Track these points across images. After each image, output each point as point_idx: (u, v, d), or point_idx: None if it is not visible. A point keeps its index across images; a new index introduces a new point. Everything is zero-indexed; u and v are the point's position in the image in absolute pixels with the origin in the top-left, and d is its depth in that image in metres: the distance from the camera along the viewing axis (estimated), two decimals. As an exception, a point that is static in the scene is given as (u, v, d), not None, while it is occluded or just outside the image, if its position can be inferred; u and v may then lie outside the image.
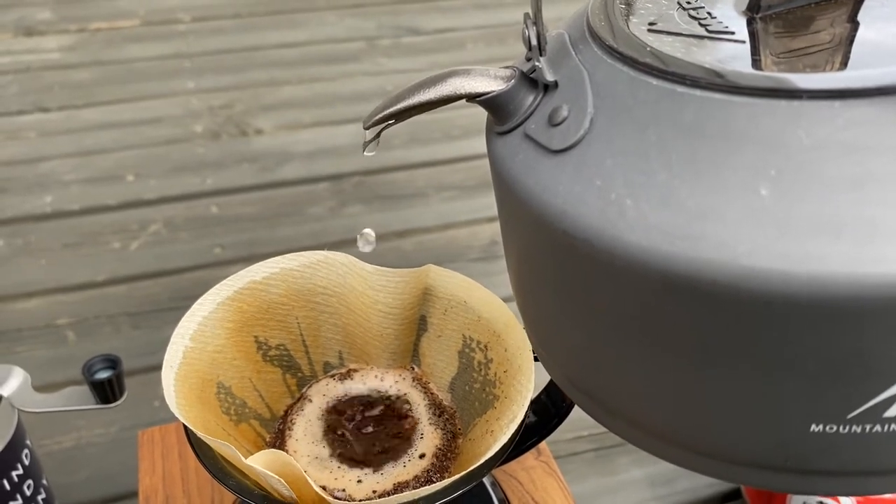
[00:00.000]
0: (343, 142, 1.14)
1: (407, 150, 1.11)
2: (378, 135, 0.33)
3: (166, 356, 0.41)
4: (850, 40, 0.28)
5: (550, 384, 0.46)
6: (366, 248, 0.34)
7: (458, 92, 0.31)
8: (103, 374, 0.52)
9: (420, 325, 0.47)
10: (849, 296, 0.24)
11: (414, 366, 0.48)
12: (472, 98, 0.32)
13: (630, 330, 0.29)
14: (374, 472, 0.43)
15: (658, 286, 0.26)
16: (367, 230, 0.33)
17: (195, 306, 0.43)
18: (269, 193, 1.04)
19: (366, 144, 0.33)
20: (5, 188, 1.03)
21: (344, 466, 0.43)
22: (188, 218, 0.99)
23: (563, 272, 0.30)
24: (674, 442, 0.32)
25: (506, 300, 0.44)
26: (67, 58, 1.31)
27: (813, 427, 0.28)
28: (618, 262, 0.27)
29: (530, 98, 0.31)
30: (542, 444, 0.54)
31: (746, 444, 0.29)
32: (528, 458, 0.54)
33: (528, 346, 0.42)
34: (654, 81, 0.28)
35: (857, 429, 0.27)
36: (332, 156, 1.11)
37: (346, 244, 0.96)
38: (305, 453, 0.43)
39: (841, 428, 0.27)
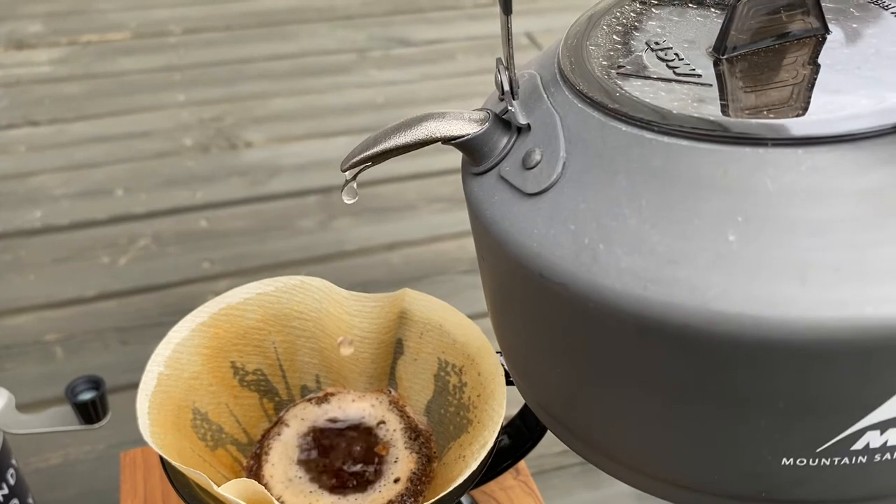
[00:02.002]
0: (333, 154, 1.14)
1: (397, 163, 1.11)
2: (355, 177, 0.33)
3: (141, 383, 0.42)
4: (812, 84, 0.28)
5: (525, 407, 0.47)
6: (350, 199, 0.34)
7: (433, 135, 0.32)
8: (86, 396, 0.52)
9: (396, 348, 0.48)
10: (814, 339, 0.24)
11: (391, 389, 0.48)
12: (447, 141, 0.32)
13: (604, 368, 0.30)
14: (350, 496, 0.43)
15: (631, 328, 0.27)
16: (352, 183, 0.34)
17: (171, 332, 0.44)
18: (258, 207, 1.04)
19: (344, 185, 0.34)
20: (-5, 203, 1.04)
21: (319, 491, 0.43)
22: (177, 232, 1.00)
23: (539, 312, 0.31)
24: (649, 474, 0.32)
25: (488, 315, 0.44)
26: (58, 71, 1.31)
27: (784, 461, 0.28)
28: (591, 305, 0.27)
29: (504, 140, 0.32)
30: (521, 464, 0.55)
31: (721, 476, 0.30)
32: (507, 477, 0.54)
33: (501, 372, 0.42)
34: (624, 127, 0.28)
35: (826, 461, 0.28)
36: (321, 168, 1.11)
37: (334, 258, 0.96)
38: (281, 478, 0.44)
39: (811, 461, 0.28)
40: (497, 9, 0.31)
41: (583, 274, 0.27)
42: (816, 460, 0.28)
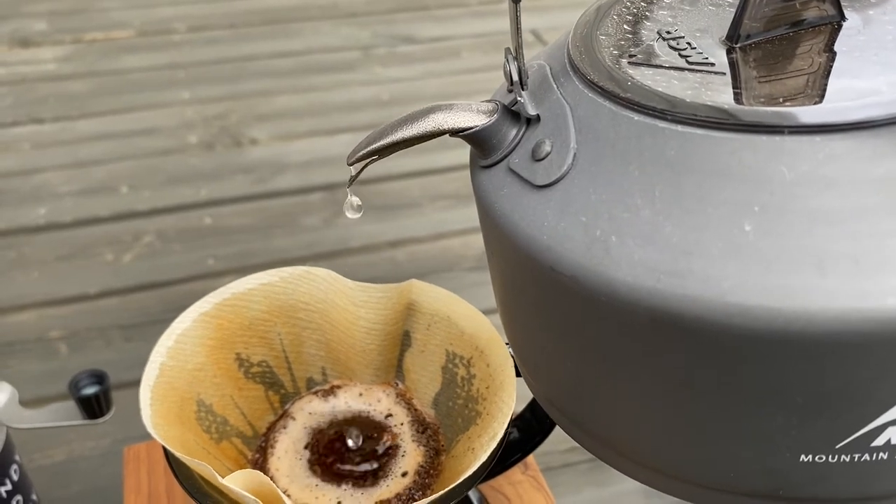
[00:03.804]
0: (337, 151, 1.14)
1: (401, 159, 1.11)
2: (361, 171, 0.33)
3: (144, 375, 0.41)
4: (828, 71, 0.28)
5: (534, 400, 0.46)
6: (353, 214, 0.34)
7: (440, 127, 0.31)
8: (90, 390, 0.51)
9: (404, 340, 0.47)
10: (833, 331, 0.24)
11: (398, 381, 0.48)
12: (455, 133, 0.32)
13: (616, 363, 0.29)
14: (356, 490, 0.43)
15: (644, 322, 0.26)
16: (355, 198, 0.34)
17: (174, 323, 0.44)
18: (262, 204, 1.04)
19: (351, 180, 0.33)
20: (-1, 200, 1.03)
21: (325, 485, 0.43)
22: (181, 229, 0.99)
23: (550, 306, 0.30)
24: (661, 471, 0.32)
25: (494, 311, 0.44)
26: (62, 69, 1.31)
27: (802, 457, 0.28)
28: (604, 299, 0.27)
29: (513, 132, 0.32)
30: (530, 459, 0.54)
31: (737, 473, 0.29)
32: (516, 472, 0.54)
33: (510, 363, 0.42)
34: (636, 117, 0.28)
35: (845, 458, 0.28)
36: (326, 165, 1.11)
37: (339, 255, 0.96)
38: (287, 472, 0.43)
39: (830, 458, 0.28)
40: (502, 6, 0.30)
41: (595, 267, 0.27)
42: (836, 457, 0.27)
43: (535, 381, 0.37)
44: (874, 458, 0.27)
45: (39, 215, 1.01)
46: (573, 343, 0.30)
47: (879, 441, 0.27)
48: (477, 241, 0.99)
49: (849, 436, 0.27)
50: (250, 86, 1.28)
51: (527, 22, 1.42)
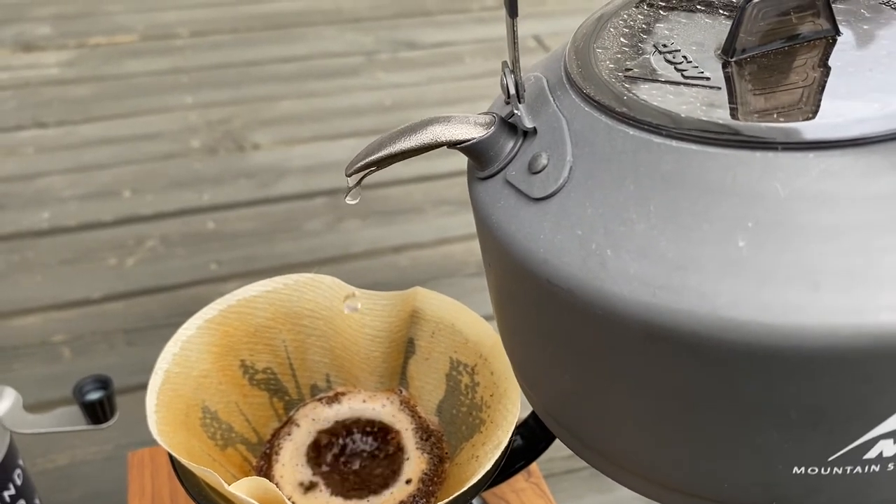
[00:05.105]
0: (340, 156, 1.14)
1: (404, 165, 1.11)
2: (359, 182, 0.33)
3: (150, 382, 0.42)
4: (823, 86, 0.28)
5: (535, 409, 0.46)
6: (351, 200, 0.34)
7: (437, 140, 0.32)
8: (94, 395, 0.52)
9: (408, 347, 0.47)
10: (827, 346, 0.24)
11: (402, 389, 0.48)
12: (452, 145, 0.32)
13: (612, 376, 0.29)
14: (360, 497, 0.43)
15: (639, 336, 0.26)
16: (356, 187, 0.34)
17: (180, 331, 0.44)
18: (266, 209, 1.04)
19: (348, 191, 0.33)
20: (2, 204, 1.04)
21: (329, 492, 0.43)
22: (185, 234, 1.00)
23: (546, 318, 0.30)
24: (658, 482, 0.32)
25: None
26: (66, 73, 1.31)
27: (795, 469, 0.28)
28: (599, 312, 0.27)
29: (510, 144, 0.32)
30: (533, 466, 0.54)
31: (731, 485, 0.30)
32: (519, 479, 0.54)
33: (513, 372, 0.42)
34: (632, 131, 0.28)
35: (838, 471, 0.28)
36: (329, 170, 1.11)
37: (342, 260, 0.96)
38: (291, 479, 0.44)
39: (822, 470, 0.28)
40: (504, 12, 0.30)
41: (590, 280, 0.27)
42: (828, 469, 0.28)
43: (532, 392, 0.37)
44: (866, 470, 0.27)
45: (43, 219, 1.01)
46: (569, 355, 0.30)
47: (872, 454, 0.27)
48: (479, 247, 0.99)
49: (841, 449, 0.27)
50: (253, 91, 1.28)
51: (529, 28, 1.42)
